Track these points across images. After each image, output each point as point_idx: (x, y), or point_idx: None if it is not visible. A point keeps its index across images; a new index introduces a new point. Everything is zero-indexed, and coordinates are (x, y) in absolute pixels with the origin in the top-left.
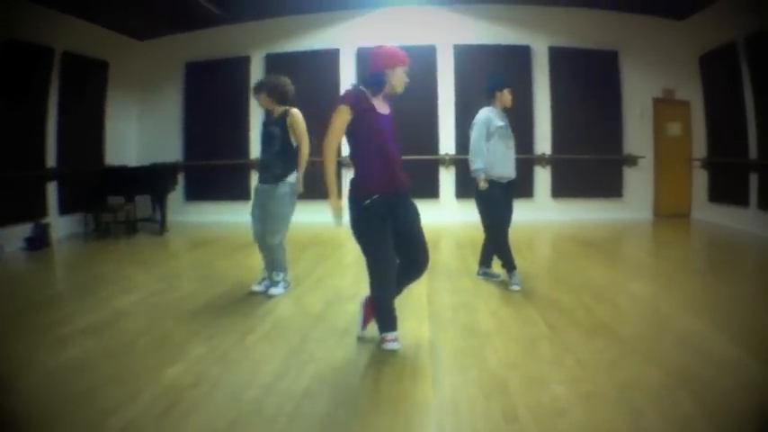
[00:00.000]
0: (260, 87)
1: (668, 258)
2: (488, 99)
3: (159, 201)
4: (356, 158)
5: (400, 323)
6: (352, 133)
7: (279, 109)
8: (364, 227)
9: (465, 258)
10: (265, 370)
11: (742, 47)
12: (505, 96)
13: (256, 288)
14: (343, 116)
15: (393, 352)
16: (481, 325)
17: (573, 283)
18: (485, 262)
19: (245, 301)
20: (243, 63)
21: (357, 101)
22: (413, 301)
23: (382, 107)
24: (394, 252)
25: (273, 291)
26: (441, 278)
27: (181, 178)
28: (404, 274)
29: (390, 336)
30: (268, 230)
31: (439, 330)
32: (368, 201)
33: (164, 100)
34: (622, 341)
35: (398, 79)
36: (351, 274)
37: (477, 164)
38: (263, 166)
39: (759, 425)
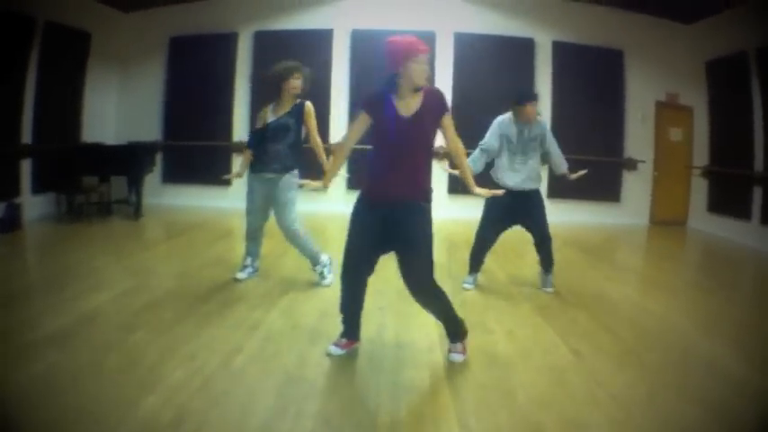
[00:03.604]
0: (302, 71)
1: (676, 272)
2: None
3: (135, 183)
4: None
5: (409, 342)
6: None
7: (292, 100)
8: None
9: (465, 262)
10: (259, 405)
11: (753, 57)
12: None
13: (240, 276)
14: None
15: (410, 388)
16: (499, 350)
17: (585, 298)
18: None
19: (228, 307)
20: (230, 40)
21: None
22: (419, 318)
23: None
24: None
25: (327, 281)
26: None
27: (159, 159)
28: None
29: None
30: (288, 219)
31: None
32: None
33: (146, 75)
34: (652, 371)
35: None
36: None
37: None
38: (269, 155)
39: None
